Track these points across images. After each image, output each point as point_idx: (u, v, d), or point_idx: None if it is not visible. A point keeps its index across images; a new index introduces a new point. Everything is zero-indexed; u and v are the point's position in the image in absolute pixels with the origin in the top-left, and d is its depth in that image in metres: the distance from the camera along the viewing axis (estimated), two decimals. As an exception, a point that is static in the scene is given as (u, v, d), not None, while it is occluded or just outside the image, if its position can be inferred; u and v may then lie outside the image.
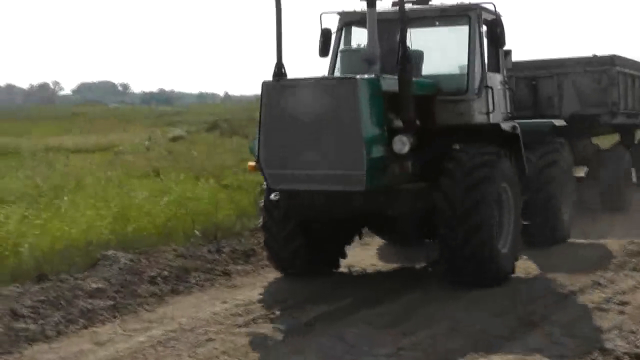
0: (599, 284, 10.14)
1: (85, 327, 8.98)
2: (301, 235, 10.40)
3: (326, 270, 10.92)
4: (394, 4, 10.44)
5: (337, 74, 11.09)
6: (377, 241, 12.97)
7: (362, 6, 10.04)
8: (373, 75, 9.38)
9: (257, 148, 9.66)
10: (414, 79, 9.67)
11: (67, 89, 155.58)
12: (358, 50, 10.70)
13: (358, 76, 9.27)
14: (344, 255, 11.29)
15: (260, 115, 9.50)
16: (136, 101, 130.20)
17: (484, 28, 10.82)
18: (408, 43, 10.53)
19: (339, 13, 11.28)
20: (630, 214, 14.87)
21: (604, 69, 15.18)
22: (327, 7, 12.75)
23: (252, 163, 10.02)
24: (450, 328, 8.45)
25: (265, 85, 9.48)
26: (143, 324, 9.07)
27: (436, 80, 10.60)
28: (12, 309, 9.34)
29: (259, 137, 9.55)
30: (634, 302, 9.25)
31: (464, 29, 10.63)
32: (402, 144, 9.04)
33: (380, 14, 9.87)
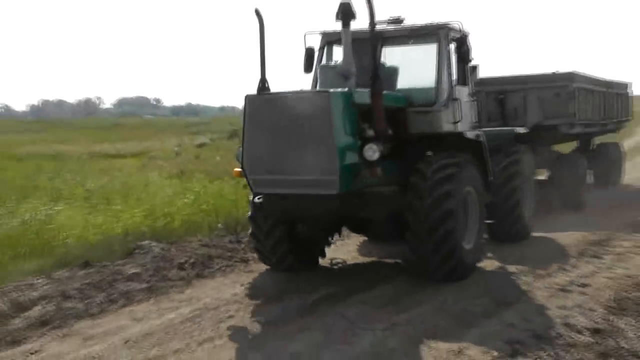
0: (564, 269, 10.09)
1: (124, 306, 9.03)
2: (284, 233, 10.09)
3: (308, 266, 10.54)
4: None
5: (318, 88, 10.72)
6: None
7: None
8: (346, 89, 9.00)
9: (241, 156, 9.37)
10: (386, 92, 9.34)
11: (108, 103, 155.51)
12: (335, 66, 10.34)
13: (331, 90, 8.95)
14: (323, 253, 10.91)
15: (243, 126, 9.16)
16: (167, 113, 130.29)
17: (452, 45, 10.50)
18: (384, 60, 10.40)
19: (321, 33, 10.95)
20: (587, 211, 14.79)
21: (564, 84, 15.01)
22: (311, 27, 12.55)
23: (237, 169, 9.64)
24: (437, 308, 8.45)
25: (248, 98, 9.17)
26: (173, 303, 9.10)
27: (408, 93, 10.18)
28: (62, 291, 9.43)
29: (243, 146, 9.25)
30: (593, 284, 9.23)
31: (434, 47, 10.30)
32: (373, 152, 8.70)
33: (358, 33, 9.50)
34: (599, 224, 13.08)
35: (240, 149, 9.31)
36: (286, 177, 8.99)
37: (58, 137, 44.36)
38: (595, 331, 7.43)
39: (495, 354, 6.91)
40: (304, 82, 10.67)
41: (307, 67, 10.79)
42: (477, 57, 10.31)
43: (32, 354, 7.45)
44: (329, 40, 10.86)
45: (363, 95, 9.00)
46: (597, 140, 18.97)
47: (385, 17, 10.54)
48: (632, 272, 9.82)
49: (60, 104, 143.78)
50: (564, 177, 15.22)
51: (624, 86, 19.82)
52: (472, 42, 10.66)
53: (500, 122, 14.46)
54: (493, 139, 11.24)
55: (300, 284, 9.75)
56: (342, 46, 9.24)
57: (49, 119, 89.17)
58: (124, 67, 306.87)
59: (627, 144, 25.39)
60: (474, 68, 11.03)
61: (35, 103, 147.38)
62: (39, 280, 9.91)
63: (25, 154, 32.13)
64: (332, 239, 11.16)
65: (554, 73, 15.44)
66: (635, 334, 7.31)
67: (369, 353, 7.10)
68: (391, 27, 10.54)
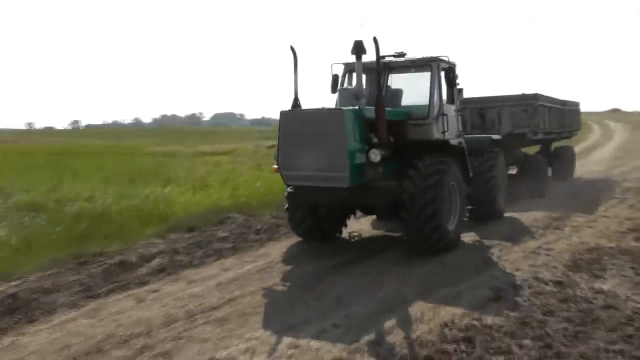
0: (533, 237, 9.75)
1: (217, 260, 8.98)
2: (309, 211, 9.58)
3: (328, 237, 9.95)
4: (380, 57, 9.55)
5: (337, 106, 10.06)
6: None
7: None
8: (356, 107, 8.54)
9: (277, 156, 8.96)
10: (390, 109, 8.88)
11: (207, 116, 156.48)
12: (350, 89, 9.70)
13: (344, 108, 8.56)
14: (341, 229, 10.24)
15: (279, 134, 8.69)
16: (248, 124, 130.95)
17: (442, 73, 9.75)
18: (390, 84, 9.98)
19: (344, 64, 10.34)
20: (547, 198, 14.17)
21: (529, 102, 14.45)
22: (337, 58, 11.96)
23: (275, 166, 9.11)
24: (439, 265, 8.22)
25: (282, 113, 8.67)
26: (251, 258, 9.03)
27: (409, 109, 9.58)
28: (173, 248, 9.46)
29: (278, 149, 8.78)
30: (556, 249, 8.90)
31: (428, 74, 9.67)
32: (375, 155, 8.21)
33: (372, 64, 8.89)
34: (558, 206, 12.62)
35: (276, 151, 8.93)
36: (309, 173, 8.57)
37: (171, 141, 44.87)
38: (558, 283, 7.18)
39: (484, 297, 6.72)
40: (330, 100, 10.24)
41: (333, 89, 10.33)
42: (463, 82, 9.86)
43: (153, 292, 7.47)
44: (349, 69, 10.31)
45: (369, 112, 8.59)
46: (555, 144, 18.39)
47: (392, 52, 10.03)
48: (585, 240, 9.45)
49: (174, 117, 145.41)
50: (529, 172, 14.72)
51: (575, 104, 19.24)
52: (459, 70, 10.26)
53: (481, 130, 13.99)
54: (474, 144, 10.80)
55: (335, 248, 9.53)
56: (355, 74, 8.89)
57: (166, 127, 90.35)
58: (219, 90, 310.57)
59: (578, 147, 24.71)
60: (460, 90, 10.42)
61: (157, 116, 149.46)
62: (157, 241, 9.99)
63: (149, 152, 32.55)
64: (349, 218, 10.53)
65: (522, 94, 14.94)
66: (586, 285, 7.05)
67: (392, 295, 6.96)
68: (396, 59, 10.01)
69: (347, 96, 9.69)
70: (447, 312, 6.29)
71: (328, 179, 8.38)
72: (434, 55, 9.76)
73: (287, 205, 9.75)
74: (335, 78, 10.31)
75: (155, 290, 7.51)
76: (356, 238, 10.34)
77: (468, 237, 9.85)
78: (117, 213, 11.94)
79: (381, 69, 8.95)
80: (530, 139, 14.82)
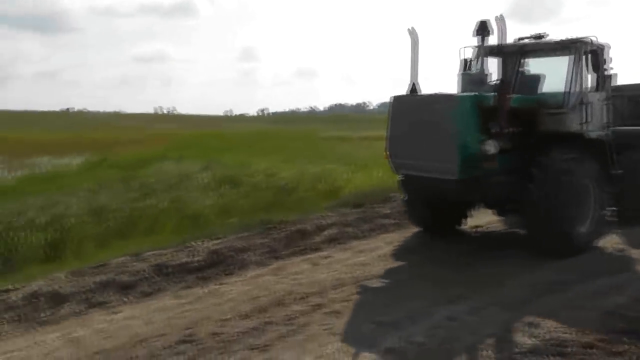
0: None
1: (380, 234, 9.00)
2: (428, 206, 8.43)
3: (445, 230, 8.70)
4: (516, 39, 8.27)
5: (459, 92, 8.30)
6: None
7: (491, 41, 7.82)
8: (472, 94, 7.24)
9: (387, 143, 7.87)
10: (516, 95, 7.45)
11: (372, 105, 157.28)
12: (474, 73, 8.22)
13: (458, 94, 7.39)
14: (459, 222, 8.83)
15: (388, 121, 7.68)
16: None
17: (587, 57, 7.85)
18: (528, 69, 8.58)
19: (475, 46, 8.40)
20: None
21: None
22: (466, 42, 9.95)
23: (385, 153, 7.99)
24: (596, 257, 7.40)
25: (394, 98, 7.69)
26: (411, 234, 8.90)
27: (544, 97, 7.95)
28: (343, 221, 9.60)
29: (388, 136, 7.77)
30: None
31: (568, 58, 7.90)
32: (491, 147, 6.92)
33: (506, 47, 7.64)
34: None
35: (386, 137, 7.83)
36: (418, 163, 7.47)
37: (340, 127, 45.90)
38: None
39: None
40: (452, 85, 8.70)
41: None
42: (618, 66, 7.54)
43: (325, 258, 7.71)
44: (481, 52, 8.67)
45: (487, 99, 7.21)
46: None
47: (530, 34, 8.51)
48: None
49: (343, 105, 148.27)
50: None
51: None
52: (612, 54, 8.12)
53: (638, 120, 10.51)
54: (624, 137, 8.72)
55: (460, 239, 8.67)
56: (478, 58, 7.70)
57: (336, 115, 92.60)
58: (384, 81, 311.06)
59: None
60: (610, 76, 8.32)
61: (329, 105, 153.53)
62: (330, 214, 10.20)
63: (323, 137, 33.64)
64: (470, 211, 8.78)
65: None
66: None
67: (547, 282, 6.42)
68: (535, 41, 8.39)
69: (469, 81, 8.31)
70: (610, 302, 5.68)
71: (437, 169, 7.26)
72: (576, 36, 8.05)
73: (403, 193, 8.60)
74: (465, 62, 8.78)
75: (328, 257, 7.74)
76: (478, 232, 9.14)
77: (621, 235, 8.36)
78: (295, 187, 12.51)
79: (514, 52, 7.69)
80: None
